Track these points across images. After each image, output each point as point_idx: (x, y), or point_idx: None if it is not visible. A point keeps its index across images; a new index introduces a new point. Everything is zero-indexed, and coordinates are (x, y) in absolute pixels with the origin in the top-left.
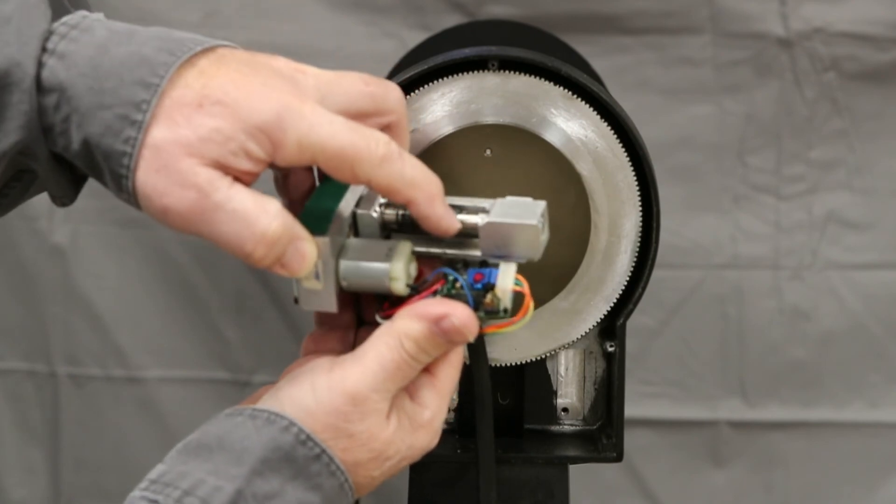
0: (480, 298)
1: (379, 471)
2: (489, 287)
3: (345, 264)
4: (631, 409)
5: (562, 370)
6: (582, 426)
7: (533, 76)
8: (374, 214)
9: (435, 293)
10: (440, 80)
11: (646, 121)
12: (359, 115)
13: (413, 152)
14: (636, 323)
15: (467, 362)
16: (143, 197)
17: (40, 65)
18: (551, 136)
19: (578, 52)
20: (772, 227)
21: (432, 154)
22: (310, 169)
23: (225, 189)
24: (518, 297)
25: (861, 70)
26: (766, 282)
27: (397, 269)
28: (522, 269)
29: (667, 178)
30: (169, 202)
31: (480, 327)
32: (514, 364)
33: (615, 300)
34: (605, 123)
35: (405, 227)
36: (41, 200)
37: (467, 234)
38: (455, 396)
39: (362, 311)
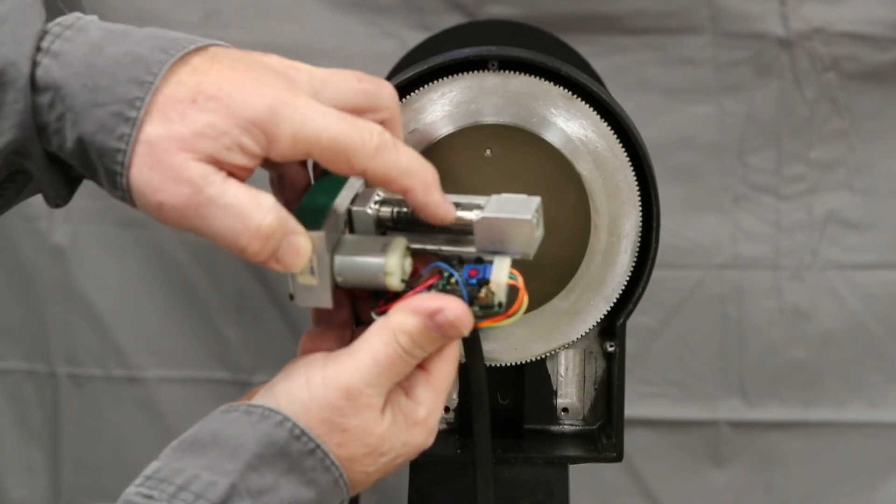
0: (475, 293)
1: (374, 467)
2: (484, 282)
3: (340, 259)
4: (631, 409)
5: (562, 370)
6: (582, 426)
7: (533, 76)
8: (370, 211)
9: (430, 288)
10: (440, 80)
11: (646, 121)
12: (352, 112)
13: None
14: (636, 323)
15: (464, 360)
16: (138, 193)
17: (35, 64)
18: (551, 136)
19: (578, 52)
20: (772, 227)
21: (432, 154)
22: (305, 167)
23: (219, 184)
24: (513, 291)
25: (861, 70)
26: (766, 282)
27: (392, 264)
28: (523, 270)
29: (667, 178)
30: (163, 198)
31: (475, 322)
32: (513, 364)
33: (615, 300)
34: (605, 123)
35: (400, 224)
36: (41, 200)
37: (462, 231)
38: (455, 396)
39: (359, 310)
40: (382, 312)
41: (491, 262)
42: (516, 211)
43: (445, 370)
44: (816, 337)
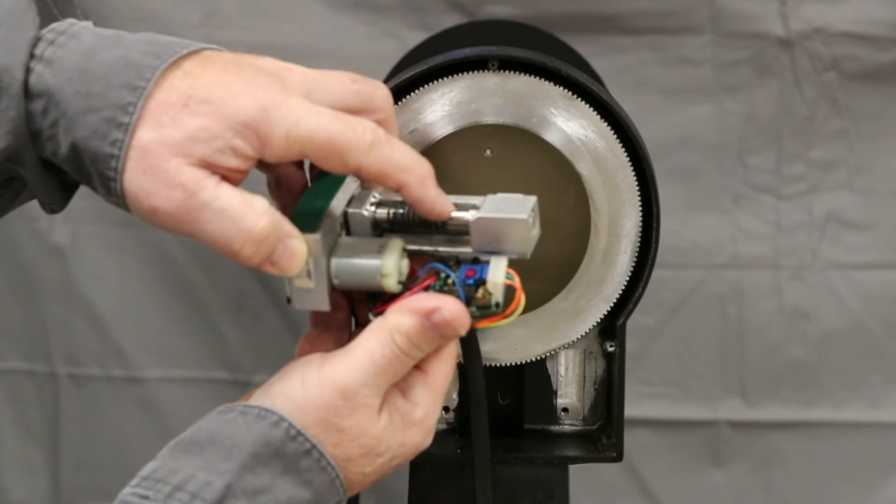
0: (472, 294)
1: (370, 468)
2: (481, 282)
3: (336, 262)
4: (631, 409)
5: (562, 370)
6: (582, 426)
7: (533, 76)
8: (366, 213)
9: (427, 289)
10: (440, 80)
11: (646, 121)
12: (346, 113)
13: None
14: (636, 323)
15: (462, 360)
16: (132, 198)
17: (28, 70)
18: (551, 136)
19: (578, 52)
20: (772, 227)
21: (432, 154)
22: (301, 170)
23: (211, 188)
24: (510, 291)
25: (861, 70)
26: (766, 282)
27: (389, 266)
28: (523, 269)
29: (667, 178)
30: (156, 202)
31: (473, 323)
32: (513, 364)
33: (615, 300)
34: (605, 123)
35: (397, 225)
36: None
37: (459, 231)
38: (455, 396)
39: (357, 312)
40: (379, 314)
41: (488, 263)
42: (512, 210)
43: (443, 371)
44: (816, 337)
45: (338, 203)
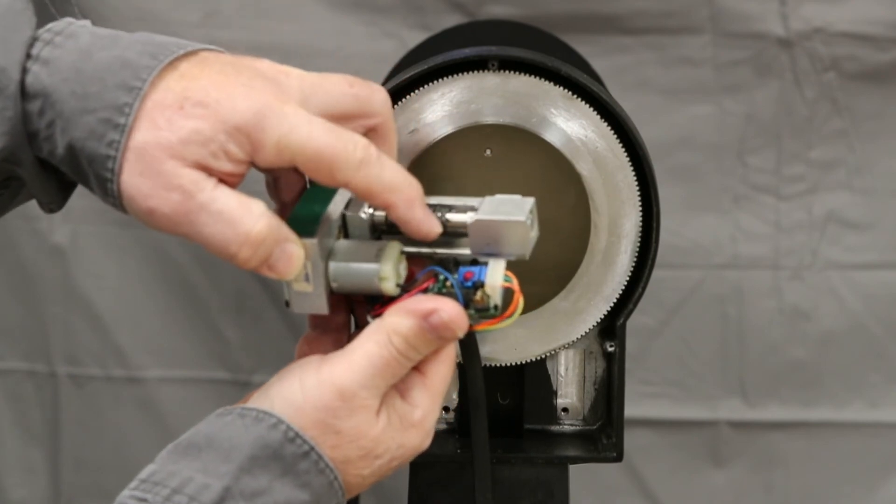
0: (470, 296)
1: (369, 469)
2: (479, 285)
3: (334, 265)
4: (631, 409)
5: (562, 370)
6: (582, 426)
7: (533, 76)
8: (364, 216)
9: (425, 292)
10: (440, 80)
11: (646, 121)
12: (343, 117)
13: (413, 152)
14: (636, 323)
15: (461, 362)
16: (129, 200)
17: (24, 71)
18: (551, 136)
19: (578, 52)
20: (772, 227)
21: (432, 154)
22: (300, 171)
23: (209, 190)
24: (508, 294)
25: (861, 70)
26: (766, 282)
27: (387, 269)
28: (523, 270)
29: (667, 178)
30: (154, 204)
31: (471, 325)
32: (513, 364)
33: (615, 300)
34: (605, 123)
35: (394, 228)
36: None
37: (457, 233)
38: (455, 396)
39: (356, 314)
40: (378, 316)
41: (486, 265)
42: (510, 212)
43: (441, 373)
44: (816, 337)
45: (335, 206)
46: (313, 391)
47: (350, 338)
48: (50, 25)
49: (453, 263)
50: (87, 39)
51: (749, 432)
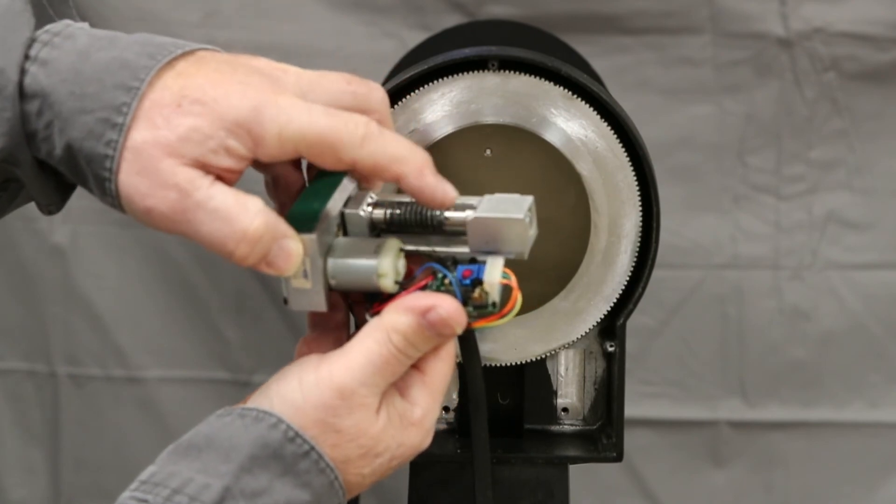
0: (469, 293)
1: (369, 468)
2: (477, 282)
3: (333, 262)
4: (631, 409)
5: (562, 370)
6: (582, 426)
7: (533, 76)
8: (363, 214)
9: (424, 289)
10: (440, 80)
11: (646, 121)
12: None
13: None
14: (636, 323)
15: (461, 360)
16: (127, 199)
17: (23, 72)
18: (551, 136)
19: (578, 52)
20: (772, 227)
21: (432, 154)
22: (299, 170)
23: (205, 188)
24: (506, 291)
25: (861, 70)
26: (766, 282)
27: (385, 266)
28: (523, 269)
29: (667, 178)
30: (151, 203)
31: (470, 322)
32: (513, 364)
33: (615, 300)
34: (605, 123)
35: (394, 226)
36: None
37: (456, 232)
38: (455, 396)
39: (355, 313)
40: (376, 314)
41: (485, 263)
42: (509, 210)
43: (441, 370)
44: (816, 337)
45: (335, 204)
46: (312, 390)
47: (349, 337)
48: (48, 27)
49: (452, 261)
50: (86, 40)
51: (749, 432)
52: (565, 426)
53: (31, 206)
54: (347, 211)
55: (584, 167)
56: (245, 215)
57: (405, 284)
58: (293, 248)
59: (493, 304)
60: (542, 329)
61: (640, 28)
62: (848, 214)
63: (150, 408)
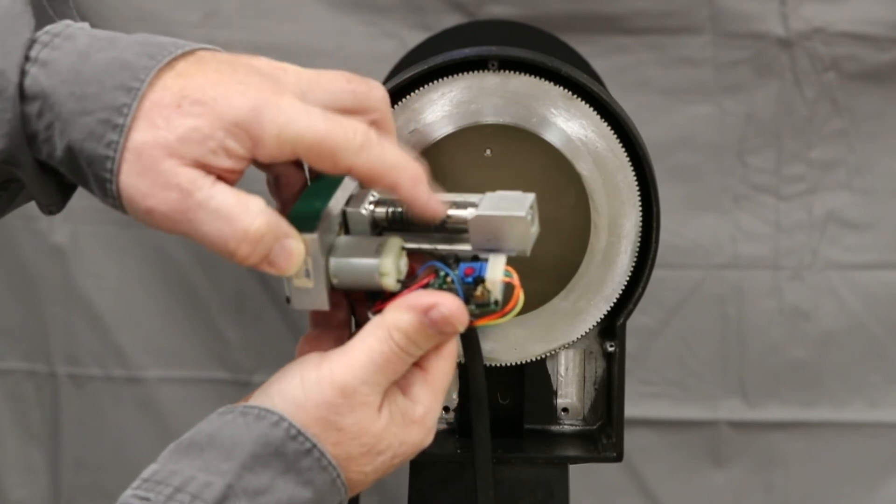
0: (471, 292)
1: (371, 466)
2: (479, 280)
3: (335, 261)
4: (631, 409)
5: (562, 370)
6: (582, 426)
7: (533, 76)
8: (364, 213)
9: (425, 287)
10: (440, 80)
11: (646, 121)
12: (341, 113)
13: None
14: (636, 323)
15: (462, 360)
16: (128, 200)
17: (23, 73)
18: (551, 136)
19: (578, 52)
20: (772, 227)
21: (432, 154)
22: (301, 169)
23: (207, 188)
24: (508, 289)
25: (861, 70)
26: (766, 282)
27: (387, 265)
28: (524, 269)
29: (667, 178)
30: (152, 204)
31: (472, 320)
32: (513, 364)
33: (615, 300)
34: (605, 123)
35: (396, 224)
36: None
37: (458, 229)
38: (455, 395)
39: (357, 312)
40: (378, 312)
41: (487, 261)
42: (510, 208)
43: (443, 368)
44: (816, 337)
45: (336, 202)
46: (314, 388)
47: (351, 336)
48: (48, 28)
49: (454, 260)
50: (86, 41)
51: (749, 432)
52: (565, 426)
53: (32, 205)
54: (349, 210)
55: (584, 167)
56: (246, 215)
57: (407, 283)
58: (295, 248)
59: (496, 302)
60: (543, 329)
61: (640, 28)
62: (848, 214)
63: (150, 408)
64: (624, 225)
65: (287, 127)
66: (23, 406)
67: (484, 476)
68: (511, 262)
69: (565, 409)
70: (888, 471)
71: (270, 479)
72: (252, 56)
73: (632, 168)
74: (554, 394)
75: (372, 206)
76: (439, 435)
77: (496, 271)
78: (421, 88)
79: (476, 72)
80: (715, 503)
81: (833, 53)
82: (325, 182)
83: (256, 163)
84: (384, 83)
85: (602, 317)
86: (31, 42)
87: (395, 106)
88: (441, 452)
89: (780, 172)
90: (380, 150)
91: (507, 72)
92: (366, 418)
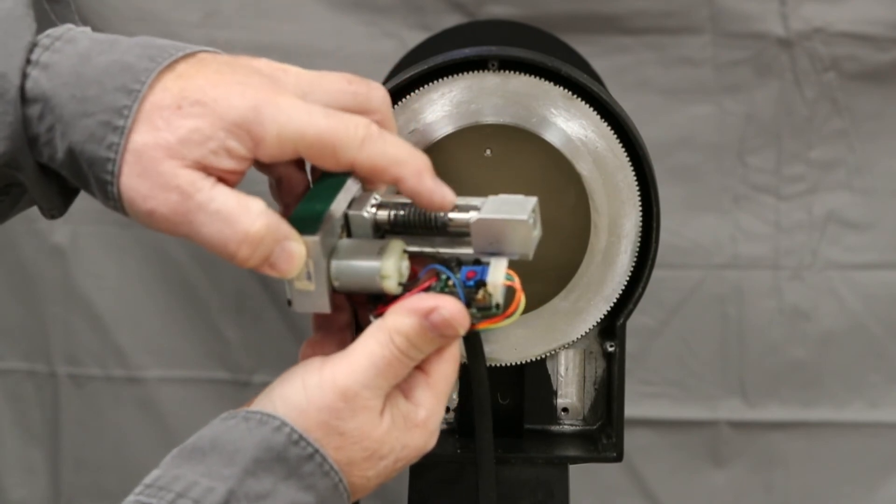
0: (472, 295)
1: (373, 471)
2: (481, 284)
3: (336, 264)
4: (631, 409)
5: (562, 370)
6: (582, 426)
7: (533, 76)
8: (366, 215)
9: (427, 290)
10: (440, 80)
11: (646, 121)
12: None
13: None
14: (636, 323)
15: (465, 361)
16: (129, 202)
17: (24, 76)
18: (551, 136)
19: (578, 52)
20: (772, 227)
21: (432, 154)
22: (303, 171)
23: (207, 190)
24: (510, 292)
25: (861, 70)
26: (766, 282)
27: (388, 267)
28: (523, 269)
29: (667, 178)
30: (153, 205)
31: (473, 324)
32: (514, 364)
33: (615, 300)
34: (605, 123)
35: (398, 227)
36: None
37: (460, 233)
38: (455, 396)
39: (358, 316)
40: (380, 315)
41: (489, 264)
42: (512, 212)
43: (445, 372)
44: (816, 337)
45: (338, 205)
46: (316, 392)
47: (353, 339)
48: (49, 31)
49: (456, 263)
50: (87, 44)
51: (749, 432)
52: (565, 426)
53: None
54: (351, 212)
55: (584, 167)
56: (247, 217)
57: (409, 286)
58: (296, 250)
59: (497, 306)
60: (543, 329)
61: (640, 28)
62: (848, 214)
63: (150, 408)
64: (624, 225)
65: (288, 125)
66: (23, 406)
67: (486, 477)
68: (511, 262)
69: (565, 409)
70: (888, 471)
71: (272, 485)
72: (253, 58)
73: (632, 168)
74: (554, 394)
75: (374, 209)
76: (439, 435)
77: (498, 275)
78: (421, 88)
79: (476, 72)
80: (715, 503)
81: (833, 53)
82: (326, 184)
83: (258, 165)
84: (384, 83)
85: (602, 317)
86: (33, 45)
87: (396, 106)
88: (441, 453)
89: (780, 172)
90: (382, 144)
91: (507, 72)
92: (368, 422)
